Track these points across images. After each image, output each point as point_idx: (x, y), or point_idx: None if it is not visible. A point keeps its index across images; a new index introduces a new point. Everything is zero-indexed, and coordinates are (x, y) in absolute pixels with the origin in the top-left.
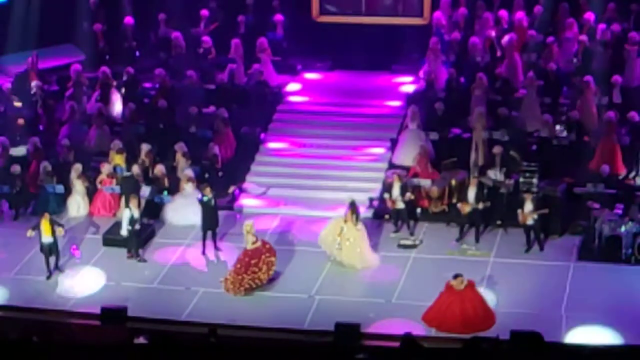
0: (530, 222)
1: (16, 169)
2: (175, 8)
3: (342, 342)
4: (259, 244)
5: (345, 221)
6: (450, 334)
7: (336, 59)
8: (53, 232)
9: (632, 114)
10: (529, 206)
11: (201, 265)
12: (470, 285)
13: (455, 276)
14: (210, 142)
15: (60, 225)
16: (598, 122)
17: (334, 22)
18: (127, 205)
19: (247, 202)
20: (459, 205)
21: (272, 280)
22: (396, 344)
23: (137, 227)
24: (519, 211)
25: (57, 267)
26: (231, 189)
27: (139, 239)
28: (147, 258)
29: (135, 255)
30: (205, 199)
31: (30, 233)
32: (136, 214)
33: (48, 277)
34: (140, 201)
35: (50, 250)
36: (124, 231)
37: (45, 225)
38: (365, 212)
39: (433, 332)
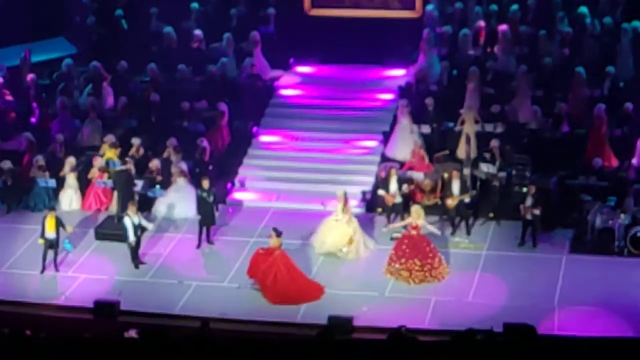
0: (529, 217)
1: (7, 163)
2: (166, 1)
3: (335, 335)
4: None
5: (342, 214)
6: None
7: (328, 52)
8: (57, 230)
9: (627, 105)
10: (529, 200)
11: (194, 258)
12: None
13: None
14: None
15: (64, 226)
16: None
17: (326, 16)
18: (123, 208)
19: (240, 195)
20: (447, 202)
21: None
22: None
23: (147, 229)
24: (521, 206)
25: (55, 263)
26: None
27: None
28: (139, 252)
29: (136, 258)
30: (204, 194)
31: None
32: (136, 220)
33: (42, 271)
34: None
35: (52, 245)
36: (132, 241)
37: (50, 222)
38: (358, 205)
39: (426, 324)
